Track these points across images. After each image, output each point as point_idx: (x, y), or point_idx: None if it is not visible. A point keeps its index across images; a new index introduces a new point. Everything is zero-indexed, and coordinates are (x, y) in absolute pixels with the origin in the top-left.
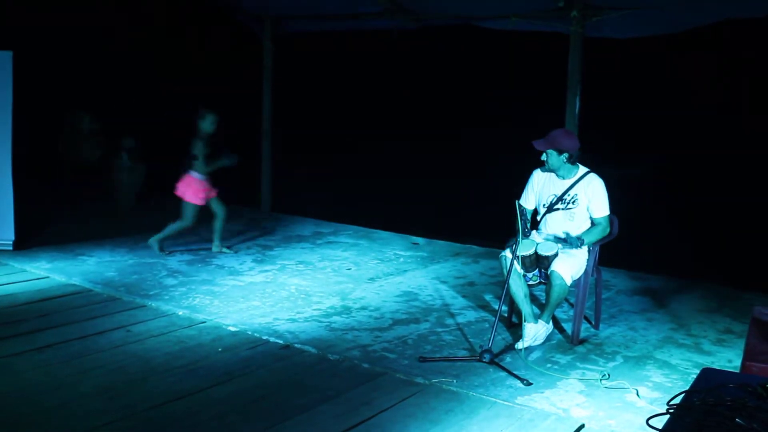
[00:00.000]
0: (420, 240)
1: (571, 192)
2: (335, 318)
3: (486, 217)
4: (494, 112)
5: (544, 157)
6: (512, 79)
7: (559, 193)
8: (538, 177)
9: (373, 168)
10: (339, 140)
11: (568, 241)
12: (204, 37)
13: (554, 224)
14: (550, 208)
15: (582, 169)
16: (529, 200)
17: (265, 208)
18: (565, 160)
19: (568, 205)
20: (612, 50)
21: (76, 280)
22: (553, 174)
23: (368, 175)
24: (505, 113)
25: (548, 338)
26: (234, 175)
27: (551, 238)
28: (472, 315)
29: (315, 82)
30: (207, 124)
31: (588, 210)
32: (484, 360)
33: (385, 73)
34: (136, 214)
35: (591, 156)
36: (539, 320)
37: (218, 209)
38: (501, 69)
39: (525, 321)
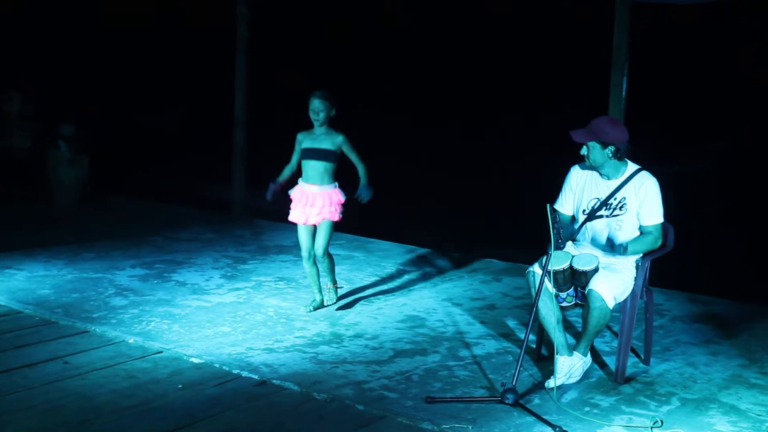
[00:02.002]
0: (428, 252)
1: (618, 195)
2: (323, 348)
3: (511, 224)
4: (525, 97)
5: (584, 151)
6: (546, 59)
7: (604, 197)
8: (577, 176)
9: (370, 160)
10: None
11: (608, 250)
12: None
13: (596, 234)
14: (592, 215)
15: (631, 167)
16: (566, 204)
17: (237, 211)
18: (610, 155)
19: (615, 211)
20: (666, 22)
21: (0, 300)
22: (595, 173)
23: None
24: (539, 98)
25: (586, 375)
26: (201, 172)
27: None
28: (492, 345)
29: (299, 57)
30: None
31: (637, 217)
32: (506, 401)
33: (383, 47)
34: (76, 217)
35: (640, 149)
36: (575, 352)
37: None
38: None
39: (557, 353)
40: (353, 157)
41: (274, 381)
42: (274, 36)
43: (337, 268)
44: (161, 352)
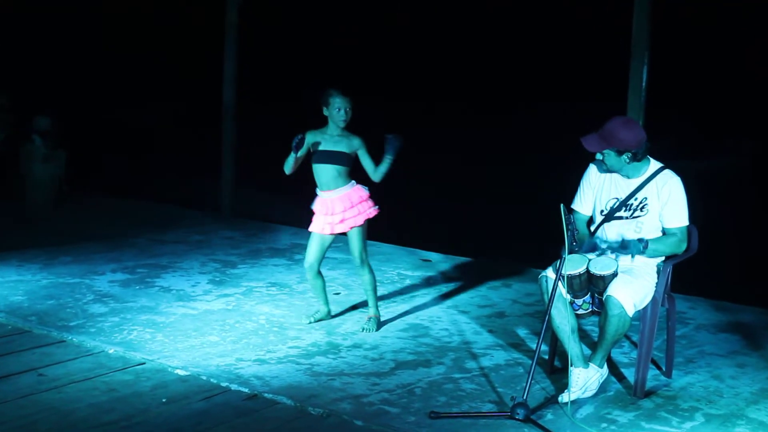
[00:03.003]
0: (433, 256)
1: (639, 194)
2: (319, 359)
3: (523, 225)
4: (542, 85)
5: (600, 156)
6: (561, 49)
7: (624, 196)
8: (595, 174)
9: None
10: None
11: (624, 248)
12: None
13: (615, 237)
14: (610, 216)
15: (654, 165)
16: (584, 203)
17: (227, 211)
18: (627, 161)
19: (635, 212)
20: (691, 6)
21: None
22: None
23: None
24: (557, 88)
25: (602, 388)
26: (188, 168)
27: (606, 250)
28: (501, 356)
29: (294, 45)
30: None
31: (660, 218)
32: (516, 417)
33: (384, 35)
34: (52, 216)
35: (662, 144)
36: (590, 364)
37: None
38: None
39: (572, 365)
40: (367, 163)
41: (266, 394)
42: (268, 24)
43: (333, 273)
44: (144, 363)
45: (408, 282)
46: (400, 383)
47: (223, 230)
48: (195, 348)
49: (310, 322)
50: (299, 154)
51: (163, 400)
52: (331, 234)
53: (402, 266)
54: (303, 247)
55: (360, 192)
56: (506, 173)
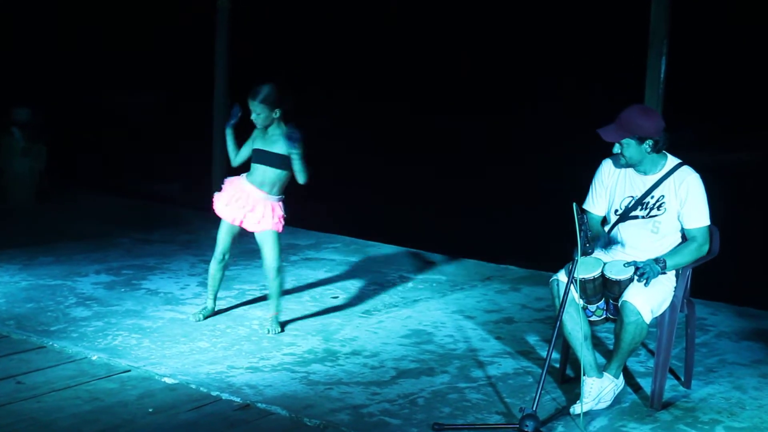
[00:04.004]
0: (436, 257)
1: (656, 192)
2: (315, 366)
3: (533, 225)
4: (552, 81)
5: (617, 149)
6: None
7: (639, 194)
8: (609, 170)
9: (369, 151)
10: (320, 109)
11: (640, 272)
12: None
13: (630, 238)
14: (625, 215)
15: (671, 161)
16: (597, 203)
17: None
18: (648, 150)
19: (651, 211)
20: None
21: None
22: (630, 167)
23: (363, 163)
24: (569, 83)
25: (617, 399)
26: (177, 164)
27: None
28: (509, 365)
29: (290, 31)
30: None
31: (679, 218)
32: (525, 429)
33: (384, 18)
34: (32, 214)
35: (678, 138)
36: (605, 373)
37: None
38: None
39: (585, 374)
40: (297, 167)
41: (259, 404)
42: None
43: (331, 275)
44: (129, 370)
45: (410, 285)
46: (402, 393)
47: (214, 229)
48: (184, 354)
49: (198, 320)
50: (230, 123)
51: (150, 410)
52: (240, 226)
53: (404, 268)
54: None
55: (281, 210)
56: (515, 172)
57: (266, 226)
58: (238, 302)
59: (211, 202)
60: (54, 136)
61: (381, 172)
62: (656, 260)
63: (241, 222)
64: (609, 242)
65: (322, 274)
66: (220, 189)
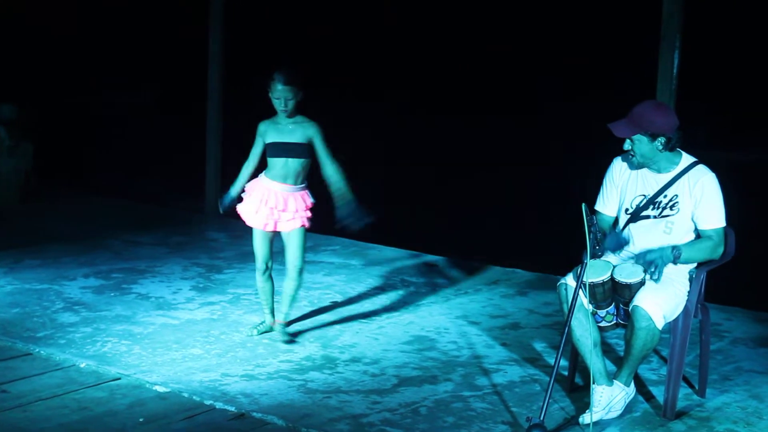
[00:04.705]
0: (439, 260)
1: (669, 191)
2: (313, 374)
3: (541, 227)
4: (562, 78)
5: (628, 146)
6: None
7: (651, 193)
8: (620, 168)
9: (369, 151)
10: (320, 109)
11: (653, 261)
12: None
13: (642, 239)
14: (636, 215)
15: (686, 159)
16: (608, 203)
17: (211, 210)
18: (661, 147)
19: (664, 211)
20: None
21: None
22: (642, 167)
23: (363, 163)
24: (580, 79)
25: (628, 408)
26: (165, 162)
27: (631, 257)
28: (515, 372)
29: (288, 18)
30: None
31: (692, 219)
32: None
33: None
34: (18, 214)
35: (694, 135)
36: (615, 381)
37: None
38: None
39: (594, 382)
40: (322, 155)
41: (255, 414)
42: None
43: (330, 279)
44: (119, 378)
45: (412, 289)
46: (404, 402)
47: (208, 231)
48: (176, 362)
49: (251, 336)
50: (236, 187)
51: (141, 420)
52: (273, 231)
53: (406, 272)
54: (285, 246)
55: (309, 199)
56: (521, 173)
57: (297, 225)
58: (233, 307)
59: (203, 203)
60: (41, 134)
61: (381, 172)
62: (673, 247)
63: (275, 226)
64: (620, 244)
65: (320, 278)
66: (214, 189)
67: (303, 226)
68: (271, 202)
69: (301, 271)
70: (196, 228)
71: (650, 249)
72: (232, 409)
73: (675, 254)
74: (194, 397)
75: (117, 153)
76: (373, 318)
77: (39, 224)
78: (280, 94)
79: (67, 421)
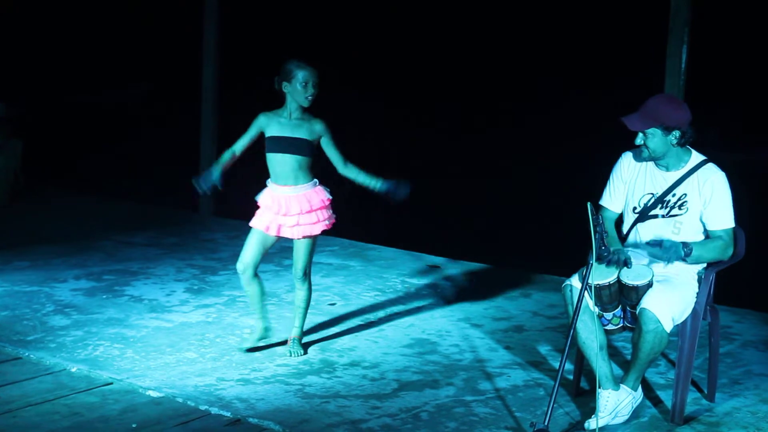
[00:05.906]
0: (441, 261)
1: (678, 190)
2: (311, 378)
3: (544, 227)
4: (563, 76)
5: (640, 140)
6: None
7: (660, 192)
8: (629, 164)
9: (369, 150)
10: (320, 103)
11: (663, 250)
12: None
13: (649, 239)
14: (644, 214)
15: (696, 157)
16: (614, 198)
17: (206, 210)
18: (674, 142)
19: (672, 210)
20: None
21: None
22: (651, 162)
23: (362, 162)
24: (580, 77)
25: (635, 413)
26: (158, 160)
27: (644, 253)
28: (519, 376)
29: (286, 13)
30: None
31: (701, 219)
32: None
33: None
34: (6, 215)
35: (704, 134)
36: (622, 386)
37: None
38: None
39: (600, 386)
40: (332, 153)
41: (251, 419)
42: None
43: (329, 280)
44: (111, 383)
45: (413, 291)
46: (404, 407)
47: (202, 231)
48: (170, 366)
49: (244, 350)
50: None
51: (134, 426)
52: (277, 236)
53: (406, 273)
54: (292, 251)
55: (322, 195)
56: (524, 172)
57: (305, 231)
58: (229, 310)
59: (197, 203)
60: (31, 132)
61: (381, 172)
62: (684, 244)
63: (278, 231)
64: (623, 261)
65: (318, 279)
66: (216, 178)
67: (311, 235)
68: (273, 208)
69: (304, 280)
70: (190, 228)
71: (665, 241)
72: (228, 414)
73: (686, 251)
74: (189, 402)
75: (109, 151)
76: (373, 321)
77: (28, 224)
78: (306, 78)
79: (57, 427)
